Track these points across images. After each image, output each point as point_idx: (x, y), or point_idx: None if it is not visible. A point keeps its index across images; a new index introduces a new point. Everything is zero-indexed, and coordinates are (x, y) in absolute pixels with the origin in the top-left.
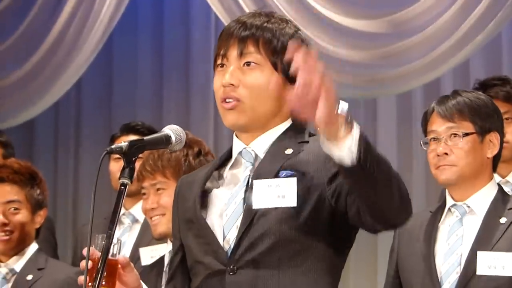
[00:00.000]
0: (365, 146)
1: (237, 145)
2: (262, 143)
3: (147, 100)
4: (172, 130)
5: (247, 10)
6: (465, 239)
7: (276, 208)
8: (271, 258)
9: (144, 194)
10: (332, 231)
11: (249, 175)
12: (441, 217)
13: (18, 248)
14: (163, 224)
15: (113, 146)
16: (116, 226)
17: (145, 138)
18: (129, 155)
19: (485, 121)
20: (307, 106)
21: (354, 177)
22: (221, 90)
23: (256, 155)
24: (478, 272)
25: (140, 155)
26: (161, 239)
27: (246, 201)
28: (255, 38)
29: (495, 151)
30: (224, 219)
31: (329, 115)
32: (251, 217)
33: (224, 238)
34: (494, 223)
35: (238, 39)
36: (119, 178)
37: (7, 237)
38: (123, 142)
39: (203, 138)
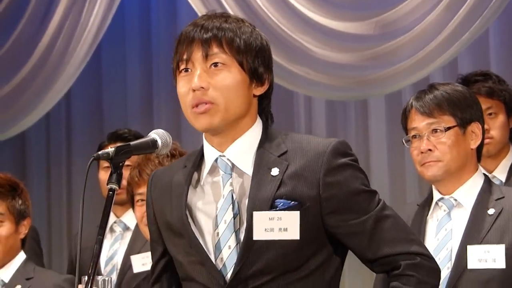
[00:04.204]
0: None
1: (210, 152)
2: (237, 151)
3: (137, 109)
4: (158, 134)
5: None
6: (454, 233)
7: (277, 241)
8: (272, 286)
9: (139, 200)
10: (328, 249)
11: (231, 190)
12: (428, 211)
13: (4, 260)
14: None
15: (100, 152)
16: (105, 231)
17: (131, 143)
18: (116, 160)
19: (465, 112)
20: None
21: None
22: (190, 95)
23: (233, 165)
24: (469, 266)
25: (129, 163)
26: None
27: (246, 231)
28: (218, 38)
29: (478, 142)
30: (215, 238)
31: None
32: (250, 247)
33: (216, 257)
34: (482, 215)
35: (201, 42)
36: (107, 184)
37: None
38: (110, 148)
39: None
